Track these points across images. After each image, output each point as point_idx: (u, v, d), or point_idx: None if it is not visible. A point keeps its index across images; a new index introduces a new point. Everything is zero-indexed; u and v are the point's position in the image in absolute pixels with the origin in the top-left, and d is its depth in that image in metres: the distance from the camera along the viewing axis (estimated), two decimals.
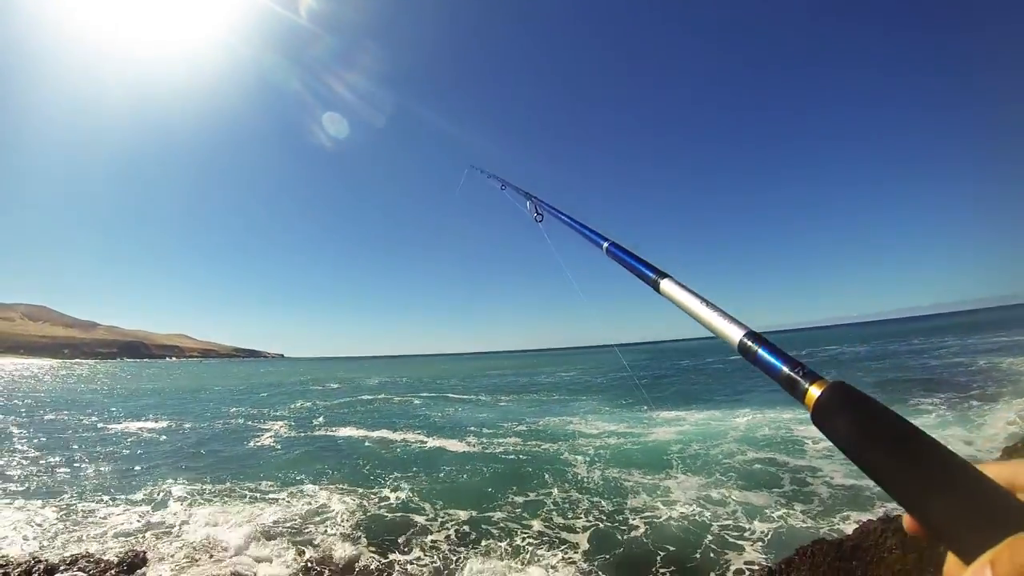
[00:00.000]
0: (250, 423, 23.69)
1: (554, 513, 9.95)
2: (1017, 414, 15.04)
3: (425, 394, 36.53)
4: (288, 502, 10.90)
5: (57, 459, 14.99)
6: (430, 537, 8.96)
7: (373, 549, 8.35)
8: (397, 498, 11.11)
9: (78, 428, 22.02)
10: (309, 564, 7.77)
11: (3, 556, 7.77)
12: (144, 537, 8.81)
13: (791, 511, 9.46)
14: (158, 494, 11.44)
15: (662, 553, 8.08)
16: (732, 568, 7.51)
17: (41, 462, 14.52)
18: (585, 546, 8.45)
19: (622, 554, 8.15)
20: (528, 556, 8.09)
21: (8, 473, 13.20)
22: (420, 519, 9.82)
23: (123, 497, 11.21)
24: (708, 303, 1.12)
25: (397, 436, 18.88)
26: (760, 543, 8.24)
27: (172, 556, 8.03)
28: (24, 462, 14.49)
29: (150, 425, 23.13)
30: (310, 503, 10.82)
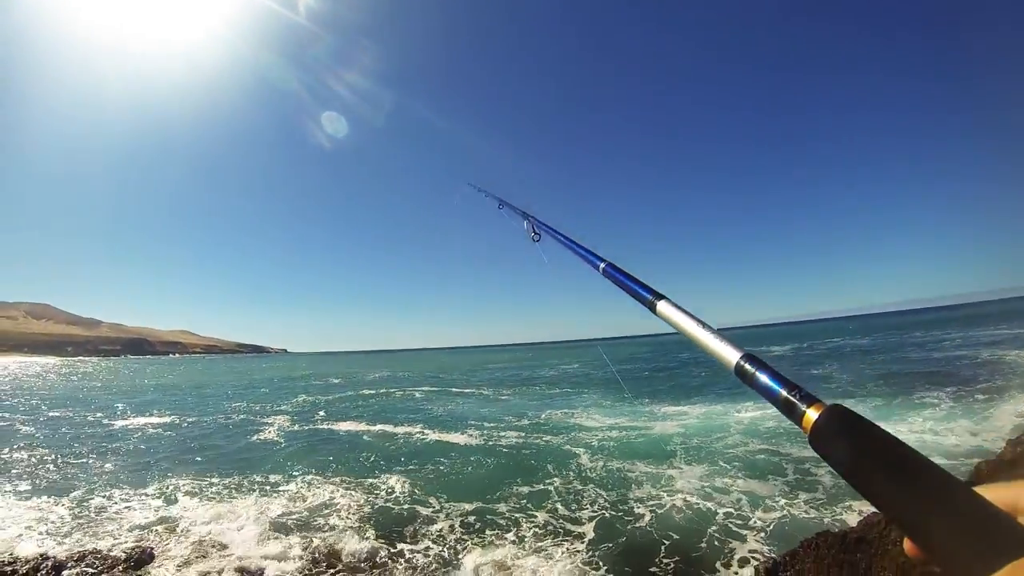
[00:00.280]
0: (253, 418, 23.79)
1: (559, 504, 10.00)
2: None
3: (427, 388, 36.52)
4: (294, 495, 10.97)
5: (63, 456, 15.06)
6: (436, 528, 9.03)
7: (380, 541, 8.40)
8: (402, 491, 11.16)
9: (83, 425, 22.10)
10: (317, 557, 7.79)
11: (12, 554, 7.82)
12: (151, 533, 8.85)
13: (794, 501, 9.52)
14: (165, 489, 11.50)
15: (667, 542, 8.14)
16: (736, 557, 7.55)
17: (48, 459, 14.56)
18: (591, 535, 8.51)
19: (627, 543, 8.21)
20: (534, 545, 8.14)
21: (17, 471, 13.26)
22: (426, 511, 9.88)
23: (130, 493, 11.26)
24: (704, 325, 1.13)
25: (399, 430, 18.94)
26: (763, 532, 8.30)
27: (179, 551, 8.06)
28: (32, 459, 14.55)
29: (154, 421, 23.26)
30: (316, 496, 10.89)
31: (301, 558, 7.76)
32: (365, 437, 17.93)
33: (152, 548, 8.05)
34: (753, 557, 7.48)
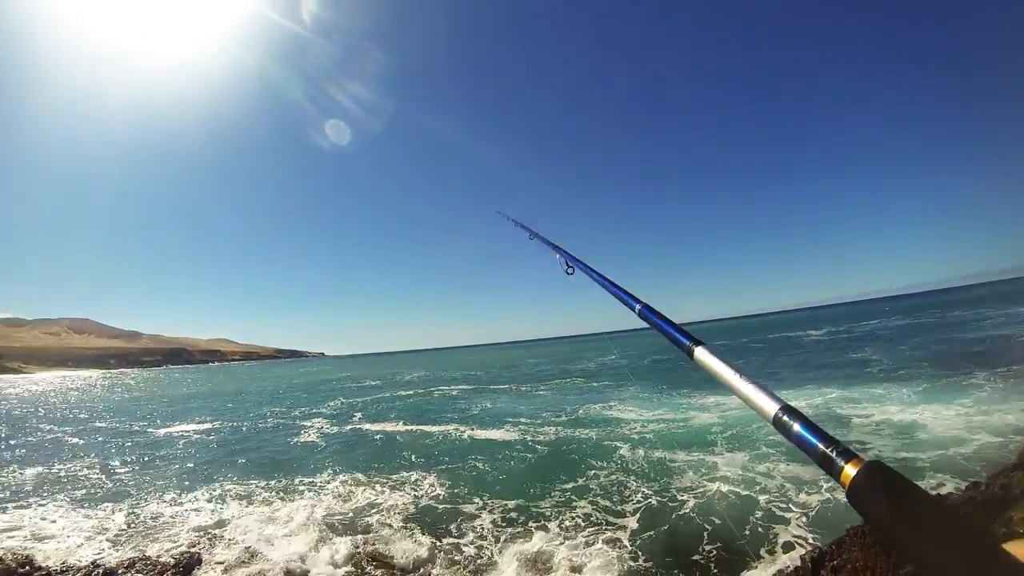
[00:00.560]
0: (292, 421, 24.26)
1: (601, 497, 9.99)
2: None
3: (465, 386, 36.49)
4: (337, 496, 11.15)
5: (113, 465, 15.58)
6: (479, 523, 9.11)
7: (426, 539, 8.48)
8: (444, 489, 11.27)
9: (129, 434, 22.78)
10: (364, 558, 7.88)
11: (65, 563, 8.09)
12: (199, 537, 9.04)
13: (838, 485, 9.34)
14: (211, 493, 11.82)
15: (709, 528, 8.12)
16: (781, 541, 7.50)
17: (99, 469, 15.05)
18: (634, 526, 8.51)
19: (671, 531, 8.22)
20: (577, 537, 8.15)
21: (71, 482, 13.70)
22: (468, 508, 9.97)
23: (178, 498, 11.60)
24: (743, 374, 1.12)
25: (438, 428, 19.04)
26: (807, 517, 8.24)
27: (226, 555, 8.22)
28: (84, 470, 15.02)
29: (196, 427, 23.91)
30: (359, 497, 11.05)
31: (349, 560, 7.85)
32: (404, 437, 18.09)
33: (200, 553, 8.24)
34: (797, 542, 7.42)
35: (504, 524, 9.00)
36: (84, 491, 12.61)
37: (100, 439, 21.23)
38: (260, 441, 19.25)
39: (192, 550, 8.34)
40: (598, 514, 9.11)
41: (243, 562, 8.00)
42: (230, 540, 8.85)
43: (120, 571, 7.61)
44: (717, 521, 8.28)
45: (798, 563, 6.24)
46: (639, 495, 9.84)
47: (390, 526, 9.18)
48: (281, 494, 11.62)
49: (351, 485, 11.94)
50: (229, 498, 11.46)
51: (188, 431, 22.88)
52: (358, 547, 8.16)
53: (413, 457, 14.48)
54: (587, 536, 8.15)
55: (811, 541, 7.34)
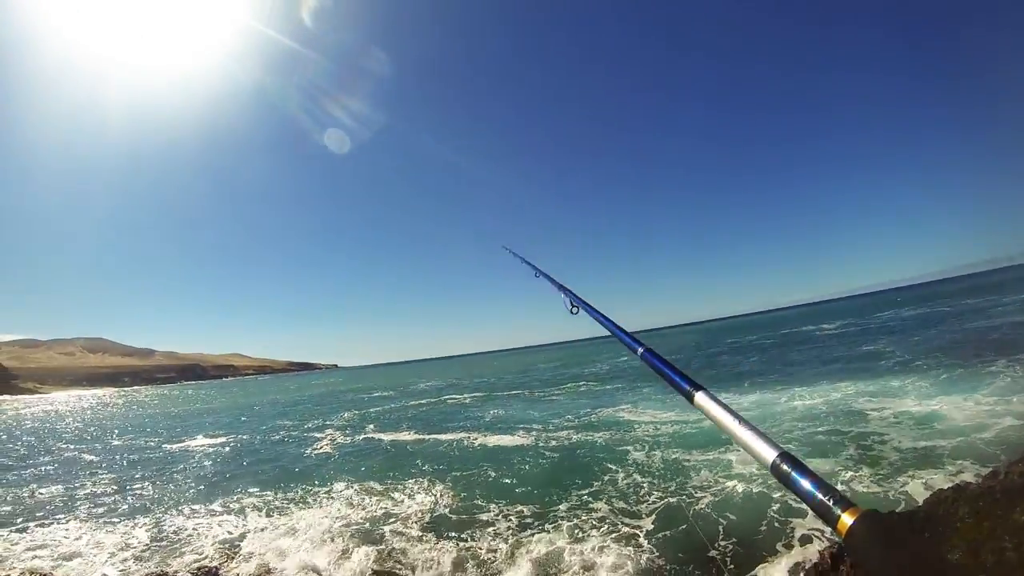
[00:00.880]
0: (305, 433, 24.34)
1: (615, 498, 9.96)
2: None
3: (477, 393, 36.33)
4: (352, 506, 11.16)
5: (130, 482, 15.69)
6: (495, 528, 9.13)
7: (444, 546, 8.47)
8: (460, 496, 11.27)
9: (144, 450, 22.99)
10: (381, 567, 7.90)
11: None
12: (216, 551, 9.08)
13: (858, 475, 9.38)
14: (227, 507, 11.91)
15: (725, 523, 8.14)
16: (798, 535, 7.46)
17: (116, 486, 15.18)
18: (650, 525, 8.51)
19: (687, 527, 8.22)
20: (594, 537, 8.15)
21: (89, 498, 13.82)
22: (484, 513, 9.98)
23: (195, 513, 11.68)
24: (742, 420, 1.15)
25: (451, 436, 19.01)
26: None
27: (244, 570, 8.28)
28: (102, 487, 15.15)
29: (210, 442, 24.08)
30: (374, 506, 11.06)
31: (366, 570, 7.85)
32: (417, 446, 18.10)
33: (217, 567, 8.29)
34: (814, 535, 7.36)
35: (520, 529, 9.00)
36: (104, 508, 12.73)
37: (117, 456, 21.38)
38: (274, 453, 19.36)
39: (210, 564, 8.38)
40: (614, 515, 9.09)
41: (260, 575, 8.05)
42: (247, 553, 8.89)
43: None
44: (733, 517, 8.27)
45: (815, 558, 6.21)
46: (654, 495, 9.81)
47: (407, 535, 9.17)
48: (297, 505, 11.68)
49: (366, 495, 11.96)
50: (245, 511, 11.52)
51: (203, 445, 23.07)
52: (376, 557, 8.15)
53: (427, 466, 14.47)
54: (603, 537, 8.14)
55: (829, 535, 7.30)
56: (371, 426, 24.54)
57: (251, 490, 13.30)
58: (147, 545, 9.70)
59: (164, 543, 9.77)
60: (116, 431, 32.76)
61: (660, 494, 9.82)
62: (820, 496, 0.86)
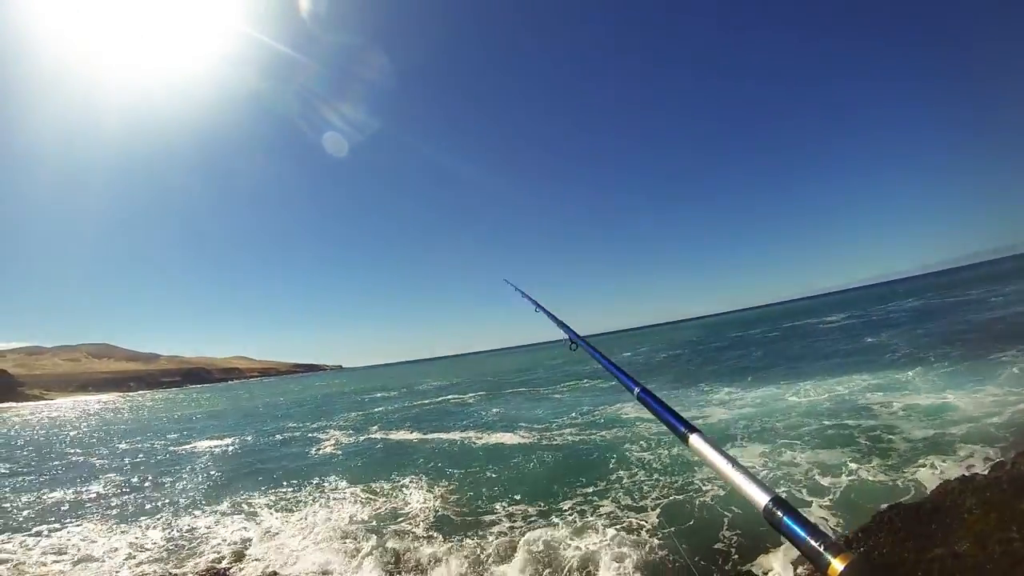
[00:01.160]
0: (309, 434, 24.42)
1: (620, 493, 10.01)
2: None
3: (481, 392, 36.23)
4: (357, 506, 11.21)
5: (138, 484, 15.81)
6: (501, 527, 9.17)
7: (450, 544, 8.52)
8: (465, 494, 11.31)
9: (151, 453, 23.09)
10: (389, 566, 7.94)
11: None
12: (224, 552, 9.14)
13: (866, 466, 9.41)
14: (234, 508, 11.97)
15: (729, 515, 8.17)
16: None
17: (125, 489, 15.29)
18: (655, 519, 8.58)
19: (691, 520, 8.36)
20: (599, 532, 8.19)
21: (100, 502, 13.92)
22: (490, 511, 10.04)
23: (203, 515, 11.73)
24: (735, 463, 1.16)
25: (456, 436, 19.01)
26: (831, 497, 8.37)
27: (252, 570, 8.33)
28: (112, 490, 15.25)
29: (215, 444, 24.17)
30: (380, 505, 11.13)
31: (373, 569, 7.90)
32: (421, 445, 18.13)
33: (227, 569, 8.33)
34: (821, 521, 7.46)
35: (526, 526, 9.01)
36: (115, 511, 12.82)
37: (124, 460, 21.46)
38: (279, 454, 19.45)
39: (218, 566, 8.42)
40: (619, 511, 9.12)
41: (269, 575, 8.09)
42: (256, 555, 8.95)
43: None
44: (737, 510, 8.27)
45: None
46: (658, 491, 9.82)
47: (414, 534, 9.22)
48: (303, 505, 11.73)
49: (372, 494, 12.00)
50: (253, 512, 11.58)
51: (208, 447, 23.17)
52: (384, 557, 8.20)
53: (431, 465, 14.50)
54: (609, 532, 8.15)
55: (833, 525, 7.37)
56: (375, 426, 24.61)
57: (257, 491, 13.35)
58: (159, 548, 9.75)
59: (174, 546, 9.81)
60: (122, 435, 32.83)
61: (664, 490, 9.83)
62: (811, 541, 0.87)
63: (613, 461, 12.27)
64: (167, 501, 13.36)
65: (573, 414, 20.28)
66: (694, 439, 1.35)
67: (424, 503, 10.88)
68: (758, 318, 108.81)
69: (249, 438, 25.17)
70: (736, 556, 7.01)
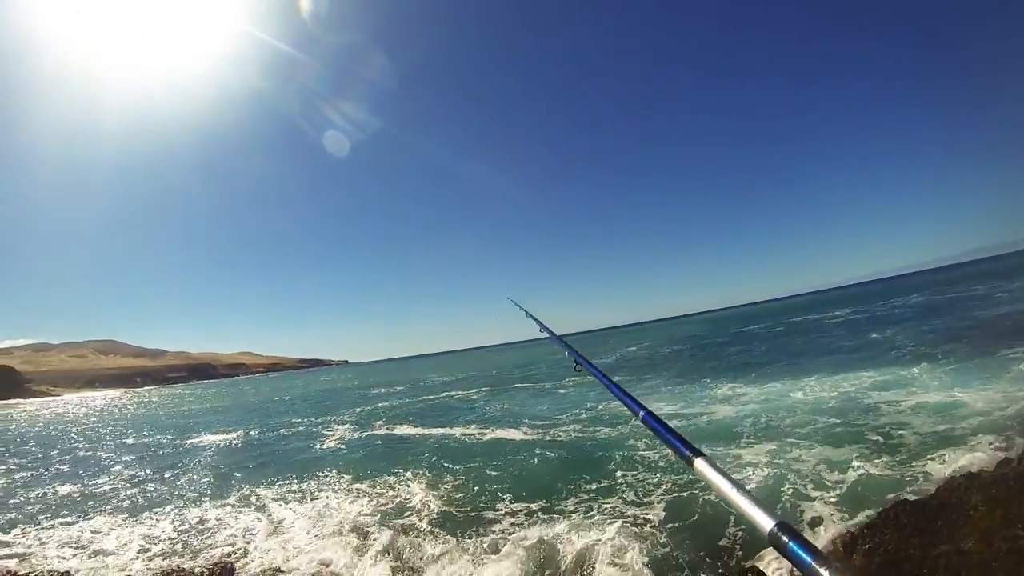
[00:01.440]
0: (315, 428, 24.49)
1: (625, 489, 9.98)
2: None
3: (486, 387, 36.11)
4: (364, 501, 11.25)
5: (146, 479, 15.97)
6: (505, 523, 9.16)
7: (455, 539, 8.54)
8: (470, 489, 11.31)
9: (158, 447, 23.33)
10: (394, 560, 7.95)
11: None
12: (231, 546, 9.20)
13: (873, 461, 9.38)
14: (240, 503, 12.04)
15: (732, 513, 8.09)
16: (807, 517, 7.61)
17: (134, 483, 15.44)
18: (660, 514, 8.55)
19: (696, 516, 8.31)
20: (604, 528, 8.15)
21: (109, 496, 14.03)
22: (494, 506, 10.05)
23: (209, 509, 11.81)
24: (740, 487, 1.17)
25: (461, 431, 19.02)
26: (837, 492, 8.34)
27: (258, 564, 8.37)
28: (120, 484, 15.41)
29: (221, 438, 24.37)
30: (385, 500, 11.16)
31: (378, 563, 7.91)
32: (426, 440, 18.14)
33: (233, 563, 8.37)
34: (829, 517, 7.48)
35: (531, 521, 9.02)
36: (124, 505, 12.94)
37: (131, 454, 21.66)
38: (284, 449, 19.56)
39: (225, 560, 8.46)
40: (623, 506, 9.12)
41: (275, 570, 8.13)
42: (262, 548, 8.98)
43: None
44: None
45: (829, 546, 6.21)
46: (663, 487, 9.80)
47: (419, 529, 9.26)
48: (308, 499, 11.80)
49: (375, 489, 12.04)
50: (259, 506, 11.65)
51: (214, 442, 23.37)
52: (389, 551, 8.20)
53: (435, 460, 14.51)
54: (614, 527, 8.11)
55: (838, 520, 7.35)
56: (380, 421, 24.64)
57: (263, 485, 13.41)
58: (168, 542, 9.81)
59: (182, 540, 9.87)
60: (129, 430, 33.11)
61: (669, 486, 9.80)
62: (816, 566, 0.87)
63: (617, 458, 12.20)
64: (173, 496, 13.46)
65: (577, 410, 20.20)
66: (699, 463, 1.36)
67: (429, 498, 10.88)
68: (759, 313, 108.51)
69: (254, 433, 25.34)
70: (740, 552, 6.98)
